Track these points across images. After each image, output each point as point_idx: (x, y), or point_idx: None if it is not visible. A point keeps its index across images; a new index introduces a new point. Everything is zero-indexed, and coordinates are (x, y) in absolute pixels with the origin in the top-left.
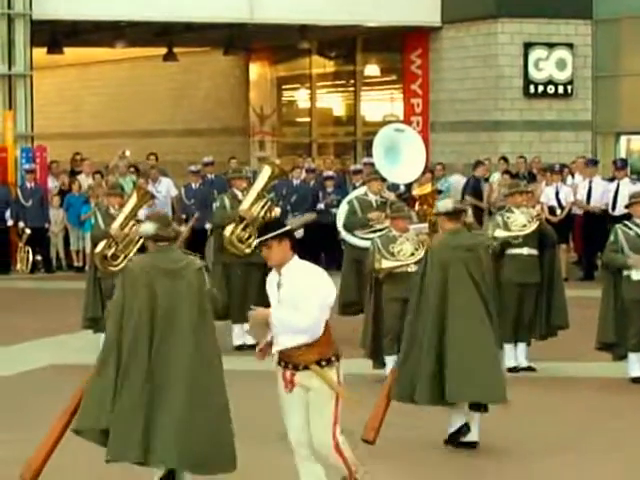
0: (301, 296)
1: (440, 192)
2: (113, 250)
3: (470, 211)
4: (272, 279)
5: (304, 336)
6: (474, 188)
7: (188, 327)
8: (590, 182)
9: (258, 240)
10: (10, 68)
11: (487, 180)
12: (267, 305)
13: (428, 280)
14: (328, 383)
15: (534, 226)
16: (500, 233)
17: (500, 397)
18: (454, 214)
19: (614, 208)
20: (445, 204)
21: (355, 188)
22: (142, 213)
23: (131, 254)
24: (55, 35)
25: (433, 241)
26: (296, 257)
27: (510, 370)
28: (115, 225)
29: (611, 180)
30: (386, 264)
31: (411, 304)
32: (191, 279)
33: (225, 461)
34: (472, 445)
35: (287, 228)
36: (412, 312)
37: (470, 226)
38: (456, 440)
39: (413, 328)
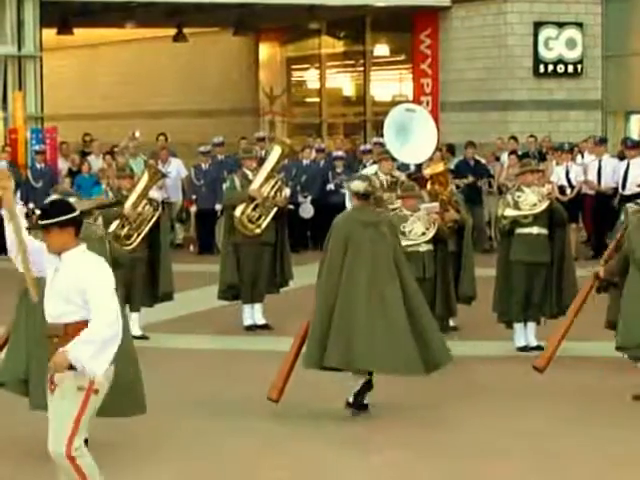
0: (88, 288)
1: (452, 171)
2: (126, 230)
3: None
4: (52, 259)
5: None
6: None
7: None
8: (600, 161)
9: (41, 223)
10: (20, 49)
11: (497, 159)
12: (277, 286)
13: (332, 253)
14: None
15: (544, 205)
16: (509, 212)
17: (402, 369)
18: (363, 195)
19: (624, 187)
20: (356, 185)
21: (365, 167)
22: (153, 194)
23: (143, 233)
24: (65, 16)
25: (338, 216)
26: (82, 246)
27: (520, 349)
28: (128, 204)
29: (621, 158)
30: None
31: (320, 274)
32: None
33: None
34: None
35: (73, 215)
36: (321, 283)
37: (380, 203)
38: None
39: (321, 299)
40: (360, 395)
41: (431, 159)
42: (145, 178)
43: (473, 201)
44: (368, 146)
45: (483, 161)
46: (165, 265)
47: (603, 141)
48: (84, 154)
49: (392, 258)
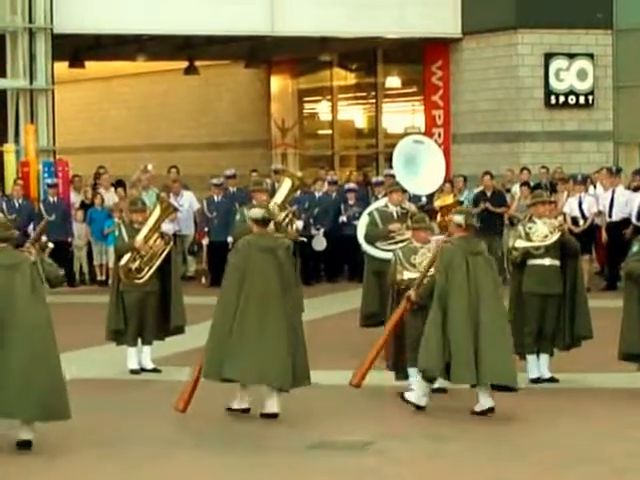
0: None
1: (461, 203)
2: (137, 263)
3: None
4: None
5: None
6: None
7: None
8: (613, 192)
9: None
10: (31, 82)
11: (508, 191)
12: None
13: (230, 275)
14: None
15: (556, 237)
16: (520, 243)
17: (274, 379)
18: (262, 221)
19: (638, 218)
20: (255, 212)
21: (377, 200)
22: (165, 227)
23: (155, 267)
24: (76, 49)
25: (240, 240)
26: None
27: (533, 381)
28: (139, 238)
29: (635, 190)
30: (407, 275)
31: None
32: (25, 270)
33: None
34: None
35: None
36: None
37: (278, 229)
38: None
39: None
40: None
41: (441, 191)
42: (157, 212)
43: (493, 231)
44: (380, 178)
45: (502, 190)
46: (176, 298)
47: (618, 172)
48: (97, 187)
49: (284, 280)
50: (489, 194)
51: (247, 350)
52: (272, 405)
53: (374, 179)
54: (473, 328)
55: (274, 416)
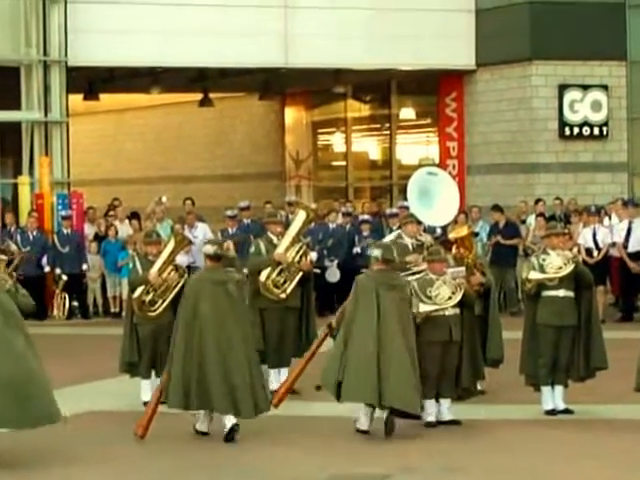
0: None
1: (476, 234)
2: (151, 296)
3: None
4: None
5: None
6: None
7: None
8: (630, 223)
9: None
10: (46, 115)
11: (523, 222)
12: (303, 350)
13: (185, 309)
14: None
15: (570, 268)
16: (534, 275)
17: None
18: (214, 257)
19: None
20: (207, 249)
21: (392, 232)
22: (179, 259)
23: (168, 300)
24: (91, 81)
25: (192, 275)
26: None
27: (548, 412)
28: (153, 271)
29: None
30: (423, 308)
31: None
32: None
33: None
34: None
35: None
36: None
37: (232, 263)
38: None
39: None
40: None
41: (455, 222)
42: (171, 244)
43: (506, 263)
44: (394, 210)
45: (514, 222)
46: None
47: (635, 204)
48: (111, 219)
49: (236, 312)
50: (501, 226)
51: (214, 380)
52: (229, 420)
53: (388, 210)
54: (374, 355)
55: (235, 432)
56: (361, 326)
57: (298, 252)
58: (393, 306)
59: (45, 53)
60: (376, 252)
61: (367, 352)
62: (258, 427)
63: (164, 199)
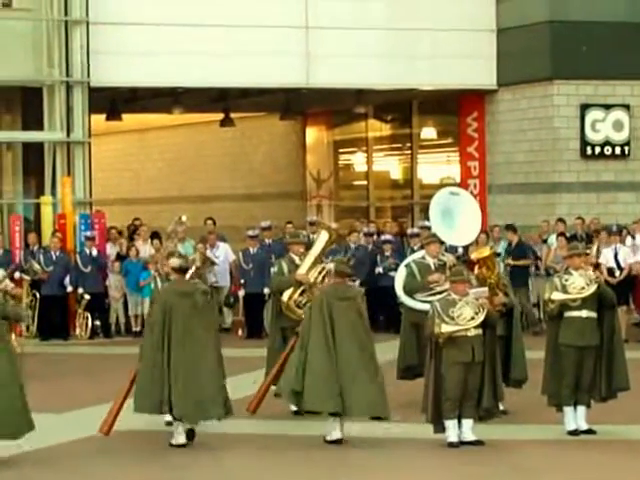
0: None
1: (498, 255)
2: None
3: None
4: None
5: None
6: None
7: None
8: None
9: None
10: (68, 135)
11: (545, 242)
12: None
13: (153, 318)
14: None
15: (592, 289)
16: (557, 295)
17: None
18: (180, 269)
19: None
20: (174, 262)
21: (413, 251)
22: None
23: None
24: (113, 102)
25: (161, 286)
26: None
27: (570, 433)
28: None
29: None
30: (446, 328)
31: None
32: None
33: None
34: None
35: None
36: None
37: (200, 275)
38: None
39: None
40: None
41: (477, 242)
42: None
43: (518, 283)
44: (415, 230)
45: (529, 243)
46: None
47: None
48: (132, 239)
49: (204, 320)
50: (513, 247)
51: (183, 386)
52: (180, 434)
53: (409, 230)
54: (330, 364)
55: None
56: (315, 337)
57: (320, 272)
58: (345, 317)
59: (68, 74)
60: (329, 266)
61: (322, 362)
62: (259, 448)
63: (184, 219)
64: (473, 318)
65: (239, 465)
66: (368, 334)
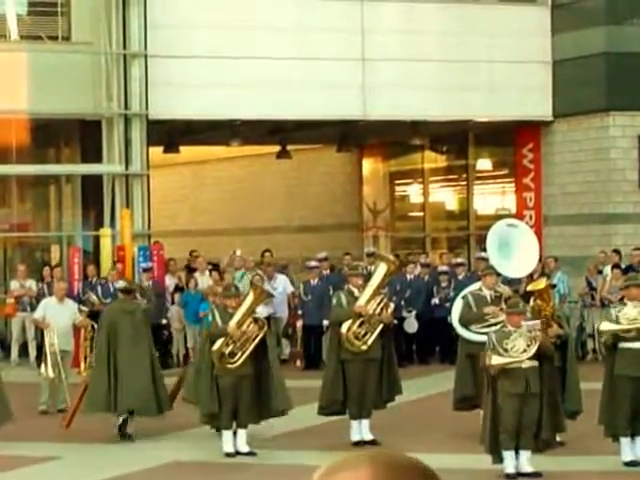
0: None
1: (554, 286)
2: (231, 348)
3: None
4: None
5: None
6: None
7: None
8: None
9: None
10: (127, 168)
11: (600, 272)
12: (385, 401)
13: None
14: None
15: None
16: (606, 326)
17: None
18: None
19: None
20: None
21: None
22: (259, 310)
23: (248, 352)
24: (171, 134)
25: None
26: None
27: (627, 464)
28: (232, 323)
29: None
30: (496, 360)
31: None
32: None
33: None
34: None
35: None
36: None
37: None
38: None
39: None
40: (124, 426)
41: (531, 275)
42: (250, 297)
43: None
44: (460, 259)
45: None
46: (279, 383)
47: None
48: (190, 270)
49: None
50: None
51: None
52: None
53: (453, 260)
54: (112, 368)
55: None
56: (101, 347)
57: (379, 304)
58: (127, 328)
59: (126, 107)
60: (117, 284)
61: (102, 368)
62: None
63: (238, 252)
64: (525, 350)
65: None
66: (150, 342)
